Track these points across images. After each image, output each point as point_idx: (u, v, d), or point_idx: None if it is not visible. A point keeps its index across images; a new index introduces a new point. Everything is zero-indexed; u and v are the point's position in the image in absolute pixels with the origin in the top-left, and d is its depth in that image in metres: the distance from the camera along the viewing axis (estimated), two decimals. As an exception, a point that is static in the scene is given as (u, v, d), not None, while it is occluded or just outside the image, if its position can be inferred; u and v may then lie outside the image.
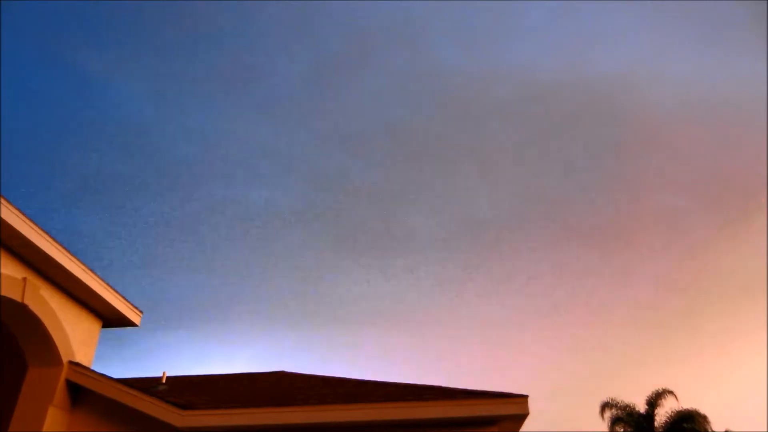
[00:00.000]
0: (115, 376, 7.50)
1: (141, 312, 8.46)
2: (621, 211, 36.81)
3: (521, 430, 7.18)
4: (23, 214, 6.56)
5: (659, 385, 26.52)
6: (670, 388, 26.31)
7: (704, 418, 25.68)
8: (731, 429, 26.50)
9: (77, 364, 7.36)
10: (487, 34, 36.73)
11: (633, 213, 36.44)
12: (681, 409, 25.87)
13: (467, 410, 6.60)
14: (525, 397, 6.65)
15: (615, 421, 26.36)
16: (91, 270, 7.55)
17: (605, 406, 26.69)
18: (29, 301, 6.91)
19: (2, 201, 6.31)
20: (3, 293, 6.62)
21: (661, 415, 26.13)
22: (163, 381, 8.99)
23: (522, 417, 6.73)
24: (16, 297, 6.77)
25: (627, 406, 26.50)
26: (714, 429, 25.81)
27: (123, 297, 8.06)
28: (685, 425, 25.54)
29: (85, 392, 7.33)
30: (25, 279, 6.90)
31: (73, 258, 7.25)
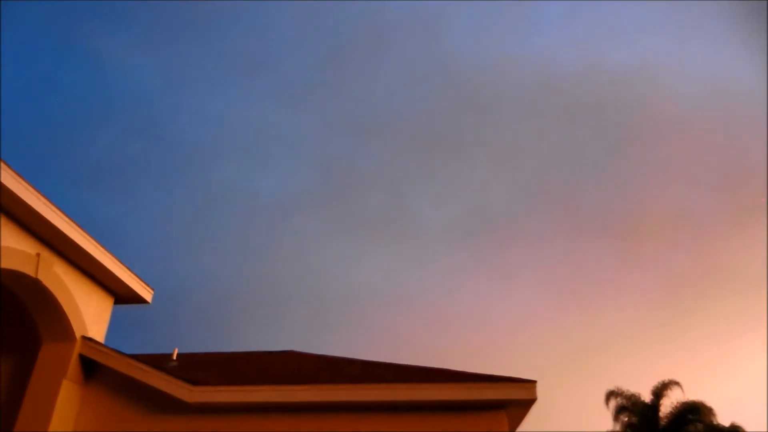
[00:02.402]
0: (127, 352, 7.59)
1: (152, 289, 8.53)
2: (633, 202, 36.50)
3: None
4: (38, 191, 6.60)
5: (665, 376, 26.47)
6: (677, 379, 26.27)
7: (710, 410, 25.61)
8: (737, 423, 26.41)
9: (90, 339, 7.45)
10: (503, 25, 36.27)
11: (645, 205, 36.12)
12: (686, 400, 25.82)
13: (476, 393, 6.61)
14: (533, 382, 6.65)
15: (620, 410, 26.37)
16: (104, 247, 7.60)
17: (610, 394, 26.70)
18: (42, 277, 6.98)
19: (18, 178, 6.35)
20: (18, 268, 6.69)
21: (667, 405, 26.11)
22: (174, 358, 9.08)
23: (530, 402, 6.73)
24: (30, 272, 6.84)
25: (632, 395, 26.48)
26: (719, 422, 25.76)
27: (135, 274, 8.12)
28: (690, 416, 25.51)
29: (98, 367, 7.42)
30: (38, 255, 6.96)
31: (85, 235, 7.30)
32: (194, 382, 6.92)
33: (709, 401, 25.79)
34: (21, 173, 6.39)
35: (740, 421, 26.19)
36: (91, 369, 7.44)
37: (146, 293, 8.41)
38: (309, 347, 9.99)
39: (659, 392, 26.22)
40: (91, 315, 7.65)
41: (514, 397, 6.64)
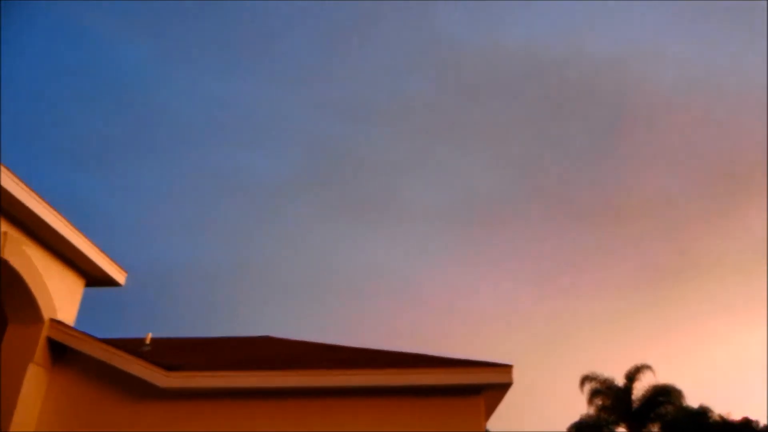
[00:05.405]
0: (101, 337, 7.40)
1: (125, 271, 8.30)
2: (616, 191, 37.01)
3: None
4: (7, 168, 6.33)
5: (641, 361, 27.18)
6: (649, 364, 26.97)
7: (679, 393, 26.41)
8: (705, 405, 27.24)
9: (59, 322, 7.23)
10: (494, 11, 35.97)
11: (627, 194, 36.65)
12: (658, 383, 26.57)
13: (453, 378, 6.62)
14: (510, 366, 6.67)
15: (594, 394, 27.01)
16: (75, 226, 7.35)
17: (585, 379, 27.30)
18: (9, 257, 6.72)
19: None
20: (-18, 248, 6.44)
21: (639, 389, 26.83)
22: (148, 342, 8.91)
23: (506, 386, 6.77)
24: (-4, 252, 6.59)
25: (606, 379, 27.15)
26: (688, 404, 26.57)
27: (107, 255, 7.89)
28: (660, 399, 26.26)
29: (67, 351, 7.22)
30: (5, 233, 6.70)
31: (56, 214, 7.03)
32: (169, 367, 6.78)
33: (683, 384, 26.64)
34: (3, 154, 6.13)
35: (710, 402, 27.03)
36: (60, 352, 7.23)
37: (119, 275, 8.18)
38: (296, 332, 9.91)
39: (632, 376, 26.92)
40: (60, 297, 7.42)
41: (490, 381, 6.67)
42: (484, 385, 6.67)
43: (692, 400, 26.58)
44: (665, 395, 26.19)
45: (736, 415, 26.88)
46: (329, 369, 6.93)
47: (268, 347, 9.22)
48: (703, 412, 26.47)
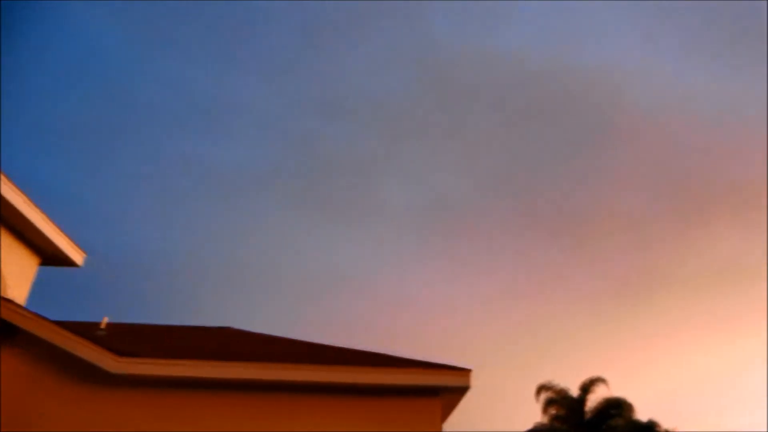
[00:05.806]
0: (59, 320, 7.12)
1: (84, 252, 8.05)
2: (588, 204, 37.77)
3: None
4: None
5: (600, 373, 27.89)
6: (604, 377, 27.68)
7: (630, 406, 27.18)
8: (654, 419, 28.08)
9: (8, 300, 6.95)
10: (484, 18, 36.23)
11: (599, 208, 37.44)
12: (610, 396, 27.30)
13: (411, 378, 6.62)
14: (468, 370, 6.72)
15: (549, 403, 27.54)
16: (33, 201, 7.08)
17: (541, 388, 27.80)
18: (-41, 229, 6.45)
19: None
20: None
21: (592, 400, 27.50)
22: (103, 326, 8.65)
23: (464, 389, 6.80)
24: (-55, 222, 6.30)
25: (562, 389, 27.72)
26: (638, 417, 27.38)
27: (65, 233, 7.63)
28: (612, 411, 26.97)
29: (16, 331, 6.94)
30: (-45, 204, 6.42)
31: (11, 185, 6.76)
32: (120, 352, 6.59)
33: (638, 397, 27.44)
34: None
35: (660, 417, 27.91)
36: (9, 333, 6.94)
37: (77, 255, 7.93)
38: (265, 328, 9.67)
39: (587, 387, 27.56)
40: (11, 274, 7.15)
41: (448, 384, 6.70)
42: (442, 387, 6.70)
43: (645, 413, 27.39)
44: (617, 408, 26.91)
45: (682, 428, 27.83)
46: (287, 363, 6.84)
47: (228, 338, 9.06)
48: (650, 426, 27.27)
